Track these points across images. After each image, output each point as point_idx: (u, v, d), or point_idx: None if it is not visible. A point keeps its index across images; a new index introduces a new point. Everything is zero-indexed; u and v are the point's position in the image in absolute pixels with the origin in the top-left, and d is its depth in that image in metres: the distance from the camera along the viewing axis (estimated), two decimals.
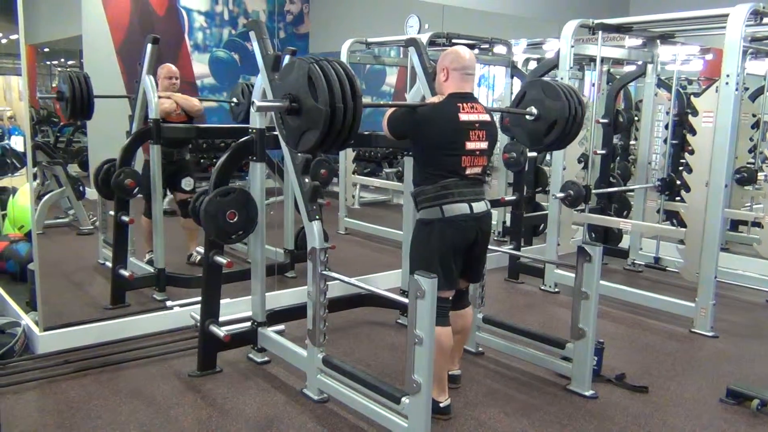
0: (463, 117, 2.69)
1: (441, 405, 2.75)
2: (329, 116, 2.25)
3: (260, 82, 3.13)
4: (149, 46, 4.21)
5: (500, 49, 6.03)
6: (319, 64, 2.28)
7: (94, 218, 5.53)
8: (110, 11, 7.87)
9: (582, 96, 3.15)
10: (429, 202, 2.72)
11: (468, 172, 2.72)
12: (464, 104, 2.71)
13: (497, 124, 3.00)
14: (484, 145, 2.75)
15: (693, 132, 4.25)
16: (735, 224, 6.14)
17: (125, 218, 4.17)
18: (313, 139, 2.33)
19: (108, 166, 4.39)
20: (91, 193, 5.44)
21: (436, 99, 2.80)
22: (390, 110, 2.86)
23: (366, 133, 3.67)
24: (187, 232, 5.05)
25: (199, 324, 3.27)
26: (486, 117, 2.77)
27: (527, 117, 3.14)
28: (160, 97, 4.42)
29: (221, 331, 3.17)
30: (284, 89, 2.39)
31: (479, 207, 2.76)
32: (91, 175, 4.85)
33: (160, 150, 4.31)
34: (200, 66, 8.87)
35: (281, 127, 2.51)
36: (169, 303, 4.02)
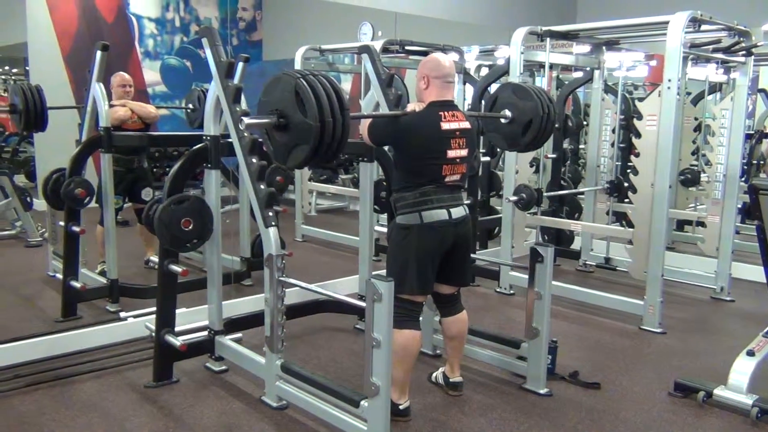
0: (445, 126, 2.73)
1: (400, 407, 2.78)
2: (319, 131, 2.25)
3: (213, 89, 3.12)
4: (98, 54, 4.15)
5: (453, 56, 6.12)
6: (306, 79, 2.29)
7: (43, 230, 5.40)
8: (57, 18, 7.69)
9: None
10: (408, 208, 2.76)
11: (447, 179, 2.77)
12: (446, 113, 2.75)
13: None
14: (464, 152, 2.79)
15: (638, 135, 4.40)
16: (681, 224, 6.37)
17: (76, 228, 4.09)
18: (303, 155, 2.33)
19: (57, 175, 4.29)
20: (39, 204, 5.30)
21: (416, 106, 2.82)
22: (370, 119, 2.89)
23: None
24: (143, 238, 4.99)
25: (154, 334, 3.22)
26: (466, 124, 2.82)
27: (502, 120, 3.21)
28: (114, 105, 4.36)
29: (177, 341, 3.13)
30: (271, 105, 2.38)
31: (458, 212, 2.81)
32: (40, 185, 4.73)
33: (120, 158, 4.25)
34: (151, 73, 8.74)
35: (268, 144, 2.49)
36: (122, 314, 3.95)
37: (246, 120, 2.45)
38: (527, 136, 3.18)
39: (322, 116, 2.25)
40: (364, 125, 2.86)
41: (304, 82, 2.28)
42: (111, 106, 4.50)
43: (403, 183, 2.80)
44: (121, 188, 4.54)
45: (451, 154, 2.75)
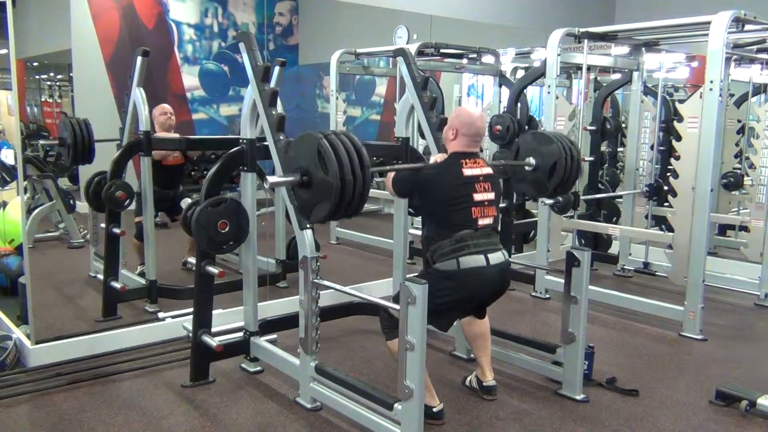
0: (467, 171, 2.79)
1: (434, 410, 2.77)
2: (339, 189, 2.32)
3: (250, 93, 3.16)
4: (139, 59, 4.24)
5: (488, 59, 6.09)
6: (328, 139, 2.37)
7: (85, 231, 5.52)
8: (99, 25, 7.87)
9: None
10: (446, 256, 2.76)
11: (480, 222, 2.79)
12: (467, 160, 2.82)
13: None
14: (491, 195, 2.84)
15: (679, 138, 4.31)
16: (723, 229, 6.22)
17: (116, 230, 4.18)
18: (324, 211, 2.40)
19: (99, 178, 4.40)
20: (82, 206, 5.43)
21: (439, 158, 2.91)
22: (393, 172, 2.96)
23: None
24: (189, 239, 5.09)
25: (191, 334, 3.27)
26: (488, 170, 2.87)
27: (527, 168, 3.26)
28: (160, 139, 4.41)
29: (213, 342, 3.18)
30: (296, 163, 2.47)
31: (496, 258, 2.81)
32: (82, 188, 4.85)
33: (158, 190, 4.33)
34: (190, 78, 8.88)
35: (293, 199, 2.56)
36: (161, 314, 4.02)
37: (270, 179, 2.53)
38: (554, 179, 3.19)
39: (343, 174, 2.32)
40: (389, 178, 2.95)
41: (326, 142, 2.35)
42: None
43: (438, 233, 2.81)
44: (160, 207, 4.63)
45: (477, 197, 2.78)
